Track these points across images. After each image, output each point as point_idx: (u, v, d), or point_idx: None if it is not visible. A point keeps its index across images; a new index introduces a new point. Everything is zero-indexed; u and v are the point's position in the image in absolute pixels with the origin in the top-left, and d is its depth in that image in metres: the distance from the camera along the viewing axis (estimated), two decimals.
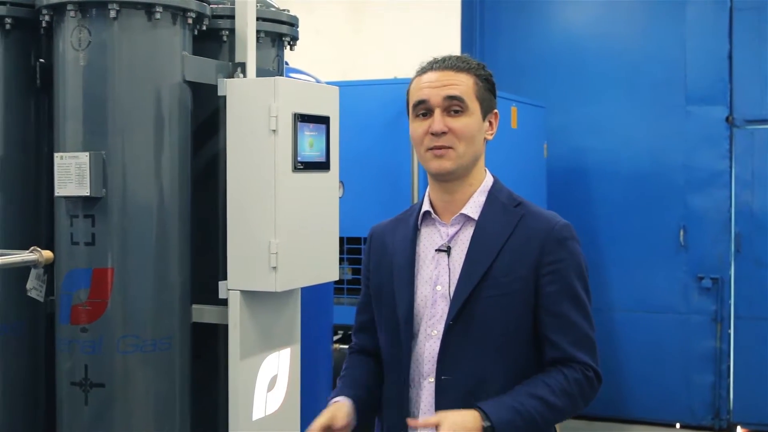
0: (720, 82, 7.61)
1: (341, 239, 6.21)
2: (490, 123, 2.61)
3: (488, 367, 2.48)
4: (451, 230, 2.59)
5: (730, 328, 7.62)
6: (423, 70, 2.60)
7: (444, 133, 2.52)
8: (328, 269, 3.58)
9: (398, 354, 2.58)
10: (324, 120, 3.52)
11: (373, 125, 6.22)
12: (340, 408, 2.57)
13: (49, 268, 3.43)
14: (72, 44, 3.26)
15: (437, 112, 2.53)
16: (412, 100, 2.58)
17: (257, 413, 3.44)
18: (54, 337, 3.41)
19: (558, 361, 2.47)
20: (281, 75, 3.82)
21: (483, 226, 2.56)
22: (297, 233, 3.39)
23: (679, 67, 7.71)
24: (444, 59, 2.60)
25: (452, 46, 7.84)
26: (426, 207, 2.64)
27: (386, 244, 2.71)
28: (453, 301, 2.51)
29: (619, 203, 7.88)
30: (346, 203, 5.79)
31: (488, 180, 2.63)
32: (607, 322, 7.89)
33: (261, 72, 3.60)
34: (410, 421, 2.48)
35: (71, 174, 3.21)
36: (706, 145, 7.63)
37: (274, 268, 3.29)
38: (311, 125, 3.43)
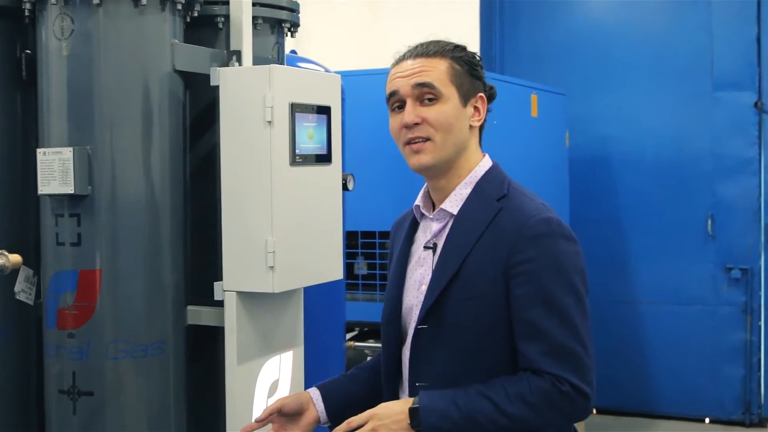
0: (748, 67, 7.43)
1: (355, 234, 6.16)
2: (476, 108, 2.42)
3: (461, 374, 2.29)
4: (436, 226, 2.42)
5: (760, 320, 7.48)
6: (397, 60, 2.45)
7: (417, 124, 2.35)
8: (331, 268, 3.39)
9: (384, 358, 2.47)
10: (325, 110, 3.34)
11: (386, 116, 6.04)
12: (298, 396, 2.55)
13: (37, 269, 3.29)
14: (54, 33, 3.09)
15: (408, 103, 2.37)
16: (386, 93, 2.43)
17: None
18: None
19: (528, 372, 2.25)
20: (282, 64, 3.63)
21: (459, 223, 2.38)
22: (296, 230, 3.20)
23: (705, 52, 7.52)
24: (417, 46, 2.43)
25: (471, 34, 7.67)
26: (417, 200, 2.49)
27: (397, 237, 2.59)
28: (422, 304, 2.35)
29: (644, 193, 7.72)
30: (360, 196, 5.64)
31: (478, 170, 2.42)
32: (634, 315, 7.77)
33: (259, 61, 3.41)
34: (339, 428, 2.28)
35: (54, 170, 3.04)
36: (735, 132, 7.46)
37: (272, 267, 3.10)
38: (310, 116, 3.25)
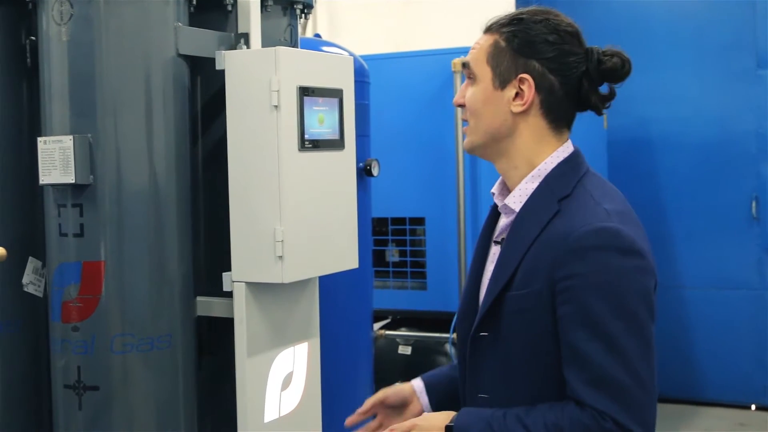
0: None
1: (385, 220, 6.06)
2: (519, 91, 2.11)
3: (515, 390, 2.10)
4: (505, 221, 2.18)
5: None
6: None
7: (462, 105, 2.19)
8: (345, 256, 3.28)
9: (460, 356, 2.26)
10: (336, 93, 3.22)
11: (416, 99, 5.94)
12: (401, 388, 2.41)
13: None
14: (54, 18, 3.00)
15: (464, 82, 2.22)
16: None
17: (270, 414, 3.17)
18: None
19: (572, 401, 1.99)
20: (295, 46, 3.51)
21: (518, 223, 2.12)
22: (307, 219, 3.09)
23: (748, 29, 7.31)
24: (492, 18, 2.20)
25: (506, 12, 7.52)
26: (494, 186, 2.25)
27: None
28: (479, 311, 2.14)
29: (686, 175, 7.54)
30: (390, 182, 5.56)
31: (549, 162, 2.13)
32: (677, 301, 7.62)
33: (271, 43, 3.29)
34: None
35: (55, 159, 2.96)
36: None
37: (280, 257, 2.99)
38: (321, 99, 3.13)
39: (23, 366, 3.32)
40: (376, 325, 5.97)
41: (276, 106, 2.98)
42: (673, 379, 7.64)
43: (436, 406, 2.41)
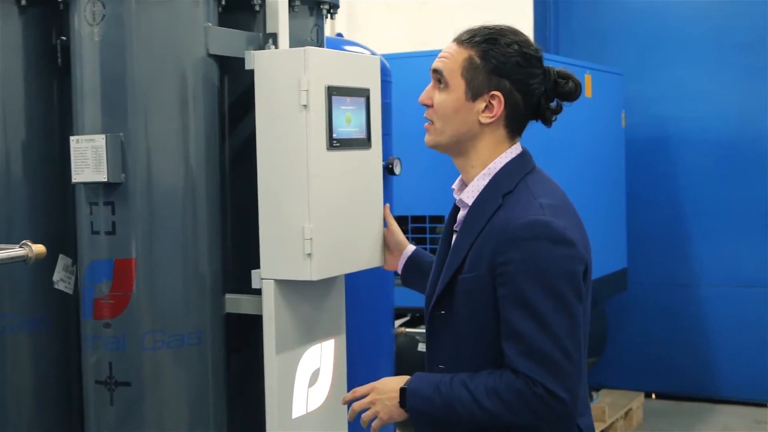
0: None
1: (405, 218, 6.08)
2: (489, 105, 2.44)
3: (469, 360, 2.40)
4: (462, 213, 2.51)
5: None
6: None
7: (428, 105, 2.50)
8: (372, 254, 3.30)
9: (427, 336, 2.61)
10: (363, 92, 3.25)
11: None
12: (400, 242, 3.20)
13: (76, 258, 3.26)
14: (86, 19, 3.04)
15: (430, 84, 2.50)
16: None
17: (298, 410, 3.20)
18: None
19: (508, 369, 2.32)
20: (321, 46, 3.54)
21: (469, 215, 2.45)
22: (335, 217, 3.12)
23: (765, 28, 7.35)
24: (465, 29, 2.50)
25: (525, 15, 7.56)
26: (454, 183, 2.58)
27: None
28: (435, 292, 2.47)
29: (704, 173, 7.57)
30: (410, 181, 5.58)
31: (498, 162, 2.47)
32: (695, 298, 7.65)
33: (298, 43, 3.33)
34: (345, 397, 2.63)
35: (88, 158, 3.00)
36: None
37: (309, 255, 3.02)
38: (348, 99, 3.16)
39: (54, 363, 3.36)
40: (397, 323, 6.00)
41: (305, 106, 3.01)
42: (690, 377, 7.66)
43: (403, 274, 3.12)
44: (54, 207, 3.33)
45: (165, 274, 3.08)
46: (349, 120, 3.17)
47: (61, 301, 3.34)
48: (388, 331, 4.90)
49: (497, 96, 2.42)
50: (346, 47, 4.66)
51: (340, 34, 5.20)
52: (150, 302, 3.06)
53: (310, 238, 3.02)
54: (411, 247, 3.15)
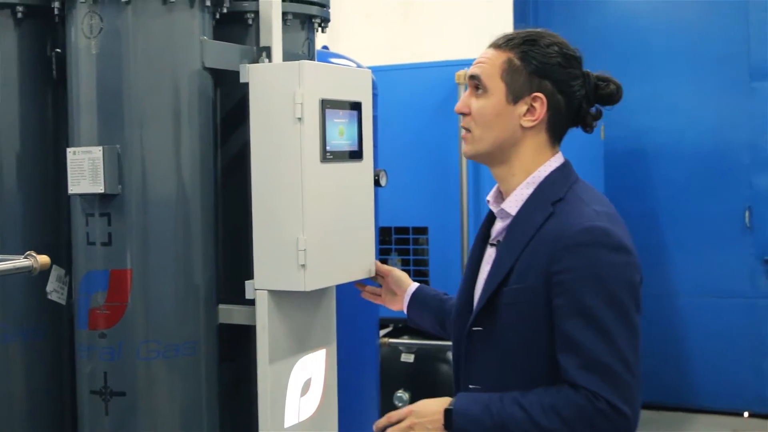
0: None
1: (389, 229, 6.13)
2: (531, 108, 2.34)
3: (509, 380, 2.27)
4: (500, 224, 2.39)
5: None
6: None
7: (465, 114, 2.38)
8: (363, 265, 3.34)
9: (454, 352, 2.46)
10: (355, 106, 3.29)
11: (421, 110, 6.02)
12: (402, 282, 3.06)
13: (69, 269, 3.28)
14: (83, 32, 3.07)
15: (466, 92, 2.40)
16: None
17: (290, 420, 3.23)
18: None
19: (566, 384, 2.19)
20: (312, 59, 3.59)
21: (514, 225, 2.33)
22: (328, 228, 3.16)
23: (741, 42, 7.44)
24: (499, 36, 2.42)
25: (505, 26, 7.61)
26: (489, 194, 2.47)
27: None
28: (475, 307, 2.34)
29: (681, 185, 7.66)
30: (394, 192, 5.61)
31: (542, 170, 2.37)
32: (671, 308, 7.71)
33: (290, 56, 3.38)
34: (379, 422, 2.39)
35: (84, 170, 3.02)
36: None
37: (303, 266, 3.06)
38: (341, 112, 3.20)
39: (47, 373, 3.36)
40: (380, 333, 6.04)
41: (299, 119, 3.04)
42: (668, 386, 7.72)
43: (409, 312, 3.01)
44: (47, 218, 3.34)
45: (160, 284, 3.10)
46: (341, 132, 3.21)
47: (54, 311, 3.35)
48: (373, 341, 4.95)
49: (539, 98, 2.34)
50: (333, 60, 4.70)
51: (326, 47, 5.25)
52: (145, 312, 3.09)
53: (304, 249, 3.06)
54: (414, 285, 3.02)
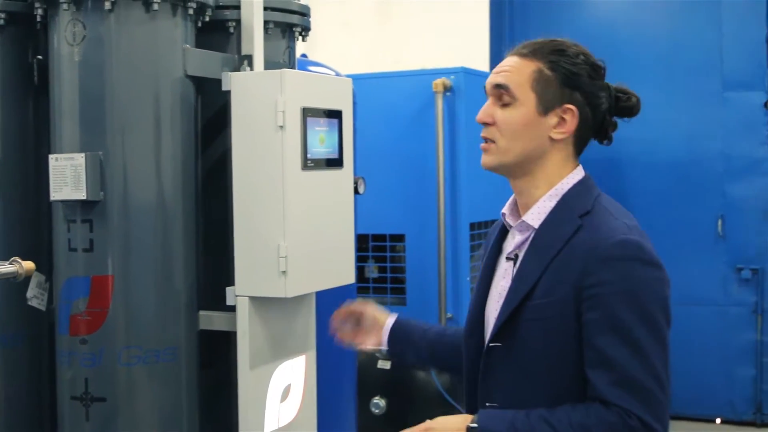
0: (758, 68, 7.39)
1: (366, 237, 6.15)
2: (561, 119, 2.24)
3: (531, 397, 2.17)
4: (519, 237, 2.29)
5: None
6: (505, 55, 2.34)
7: (488, 124, 2.26)
8: (343, 272, 3.38)
9: (466, 370, 2.36)
10: (336, 114, 3.32)
11: (398, 118, 6.05)
12: (377, 318, 2.70)
13: (49, 275, 3.29)
14: (66, 39, 3.08)
15: (488, 101, 2.28)
16: None
17: (270, 425, 3.25)
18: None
19: (596, 401, 2.09)
20: (293, 68, 3.62)
21: (539, 238, 2.24)
22: (308, 235, 3.19)
23: (715, 53, 7.49)
24: (522, 43, 2.31)
25: (481, 36, 7.67)
26: (505, 207, 2.37)
27: (489, 241, 2.46)
28: (495, 321, 2.24)
29: (654, 193, 7.69)
30: (371, 200, 5.64)
31: (566, 183, 2.26)
32: None
33: (271, 65, 3.41)
34: None
35: (67, 176, 3.04)
36: (745, 133, 7.42)
37: (284, 272, 3.09)
38: (322, 120, 3.24)
39: (26, 379, 3.37)
40: None
41: (281, 127, 3.07)
42: None
43: (390, 346, 2.69)
44: (27, 224, 3.35)
45: (141, 290, 3.12)
46: (322, 140, 3.24)
47: (34, 317, 3.35)
48: (349, 348, 4.95)
49: (571, 109, 2.24)
50: (311, 68, 4.73)
51: (304, 55, 5.27)
52: (126, 318, 3.10)
53: (285, 256, 3.09)
54: (391, 319, 2.73)
